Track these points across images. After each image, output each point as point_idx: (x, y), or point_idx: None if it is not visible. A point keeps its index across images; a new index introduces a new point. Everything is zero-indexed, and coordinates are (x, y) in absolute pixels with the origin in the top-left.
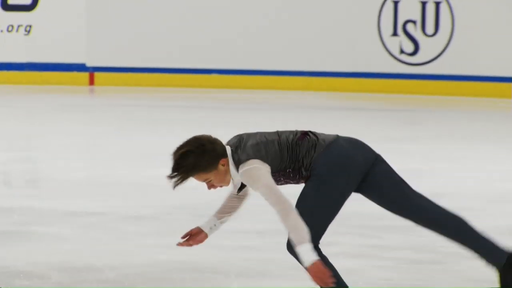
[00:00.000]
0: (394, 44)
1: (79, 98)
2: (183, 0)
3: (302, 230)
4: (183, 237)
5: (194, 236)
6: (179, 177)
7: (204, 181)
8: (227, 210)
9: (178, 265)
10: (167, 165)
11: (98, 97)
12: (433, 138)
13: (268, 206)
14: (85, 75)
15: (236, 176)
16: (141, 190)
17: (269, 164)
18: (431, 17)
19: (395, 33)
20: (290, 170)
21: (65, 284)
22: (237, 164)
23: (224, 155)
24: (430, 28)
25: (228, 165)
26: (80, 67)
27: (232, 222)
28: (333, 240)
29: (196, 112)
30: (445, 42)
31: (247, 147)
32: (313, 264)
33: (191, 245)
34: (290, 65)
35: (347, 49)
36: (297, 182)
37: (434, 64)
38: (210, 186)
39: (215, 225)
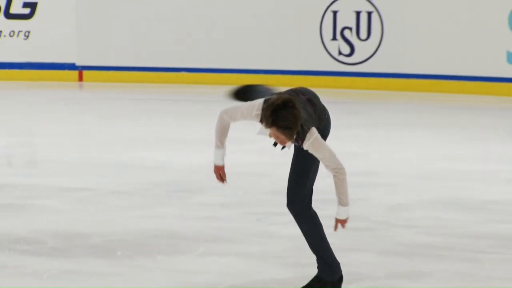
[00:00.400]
0: (333, 47)
1: (70, 93)
2: (167, 1)
3: (348, 194)
4: (220, 180)
5: (223, 174)
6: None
7: (277, 136)
8: (225, 137)
9: (154, 232)
10: (147, 149)
11: (87, 92)
12: (367, 126)
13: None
14: (75, 73)
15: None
16: (124, 169)
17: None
18: (364, 24)
19: (334, 38)
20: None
21: (59, 248)
22: (301, 133)
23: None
24: (363, 34)
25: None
26: (71, 66)
27: (200, 196)
28: (284, 211)
29: (171, 104)
30: (376, 45)
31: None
32: (346, 219)
33: (225, 181)
34: (247, 64)
35: (294, 51)
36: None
37: (367, 63)
38: (281, 142)
39: (225, 153)
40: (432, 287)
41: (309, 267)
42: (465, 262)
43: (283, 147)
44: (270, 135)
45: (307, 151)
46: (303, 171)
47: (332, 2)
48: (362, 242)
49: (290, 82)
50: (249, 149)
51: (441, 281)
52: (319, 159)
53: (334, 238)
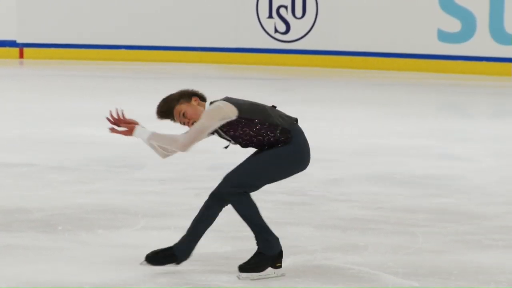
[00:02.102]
0: (269, 24)
1: (11, 70)
2: None
3: (159, 140)
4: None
5: (124, 124)
6: (164, 109)
7: (180, 115)
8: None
9: (94, 207)
10: (87, 125)
11: (27, 69)
12: (303, 102)
13: (168, 159)
14: (15, 50)
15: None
16: (64, 145)
17: (241, 109)
18: (300, 2)
19: (270, 16)
20: (267, 124)
21: (0, 223)
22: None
23: (197, 95)
24: (299, 12)
25: (199, 102)
26: (11, 43)
27: (139, 171)
28: None
29: (110, 81)
30: (311, 23)
31: (230, 99)
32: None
33: (114, 129)
34: (184, 42)
35: (232, 29)
36: (257, 142)
37: (302, 41)
38: (187, 120)
39: (145, 133)
40: (367, 259)
41: (248, 241)
42: (399, 235)
43: (227, 147)
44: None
45: (267, 152)
46: (253, 167)
47: None
48: (299, 216)
49: (226, 59)
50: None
51: (376, 253)
52: (195, 125)
53: (270, 212)
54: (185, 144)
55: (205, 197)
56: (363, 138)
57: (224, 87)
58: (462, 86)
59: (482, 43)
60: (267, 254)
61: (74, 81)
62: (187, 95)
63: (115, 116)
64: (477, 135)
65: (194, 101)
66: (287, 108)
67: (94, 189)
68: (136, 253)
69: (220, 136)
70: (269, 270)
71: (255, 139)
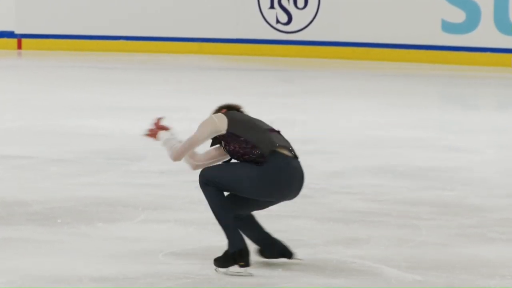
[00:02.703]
0: (271, 15)
1: (9, 61)
2: None
3: (168, 148)
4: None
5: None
6: None
7: None
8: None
9: (94, 200)
10: (86, 117)
11: (26, 60)
12: (304, 93)
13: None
14: (13, 41)
15: None
16: (64, 138)
17: (231, 124)
18: None
19: (272, 6)
20: (250, 144)
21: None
22: None
23: (225, 107)
24: (300, 2)
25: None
26: (10, 34)
27: (139, 164)
28: None
29: (109, 73)
30: (313, 14)
31: (232, 113)
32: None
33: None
34: (185, 33)
35: (233, 19)
36: (248, 156)
37: (304, 32)
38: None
39: (173, 139)
40: (370, 253)
41: None
42: (401, 228)
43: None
44: None
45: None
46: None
47: None
48: (300, 209)
49: (227, 50)
50: (187, 118)
51: (378, 247)
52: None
53: (272, 206)
54: (175, 156)
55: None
56: (365, 129)
57: (225, 78)
58: (466, 78)
59: (486, 33)
60: (229, 251)
61: (73, 72)
62: (218, 109)
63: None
64: (481, 126)
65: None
66: (288, 99)
67: (93, 182)
68: (136, 247)
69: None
70: (235, 267)
71: (241, 158)
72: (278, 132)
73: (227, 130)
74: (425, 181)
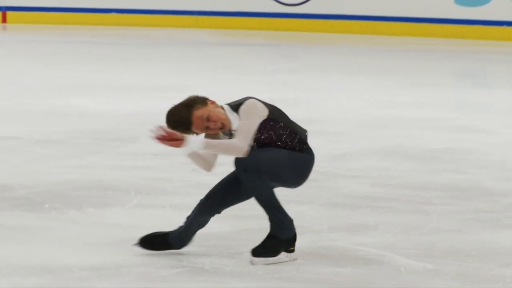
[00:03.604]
0: None
1: None
2: None
3: (215, 148)
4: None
5: (174, 138)
6: (179, 119)
7: (202, 119)
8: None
9: (84, 183)
10: (76, 95)
11: (11, 34)
12: (308, 70)
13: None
14: None
15: (235, 120)
16: (51, 117)
17: (270, 110)
18: None
19: None
20: (289, 130)
21: None
22: (237, 108)
23: (208, 98)
24: None
25: (216, 104)
26: None
27: (131, 145)
28: (220, 160)
29: (99, 48)
30: None
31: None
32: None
33: (166, 142)
34: (178, 5)
35: None
36: (282, 142)
37: (307, 4)
38: (213, 123)
39: (198, 155)
40: (377, 240)
41: (248, 220)
42: (411, 214)
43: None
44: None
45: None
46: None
47: None
48: (303, 193)
49: (225, 24)
50: (182, 96)
51: (387, 233)
52: (240, 121)
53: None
54: (245, 149)
55: (202, 173)
56: (373, 109)
57: (222, 54)
58: (481, 53)
59: (501, 6)
60: (281, 237)
61: (61, 47)
62: (200, 101)
63: (163, 133)
64: (496, 105)
65: (211, 104)
66: (290, 76)
67: (83, 164)
68: (129, 233)
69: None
70: (282, 254)
71: (273, 144)
72: None
73: (268, 116)
74: (436, 164)
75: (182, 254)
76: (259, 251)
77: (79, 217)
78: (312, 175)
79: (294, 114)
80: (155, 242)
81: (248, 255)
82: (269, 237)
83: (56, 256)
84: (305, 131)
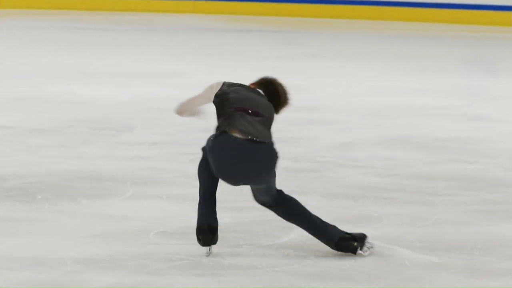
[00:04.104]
0: None
1: None
2: None
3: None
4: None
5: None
6: None
7: None
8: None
9: (78, 174)
10: (69, 82)
11: (2, 20)
12: (310, 57)
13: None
14: None
15: None
16: (44, 105)
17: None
18: None
19: None
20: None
21: None
22: None
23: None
24: None
25: None
26: None
27: (127, 134)
28: None
29: (94, 34)
30: None
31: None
32: None
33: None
34: None
35: None
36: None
37: None
38: None
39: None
40: (381, 232)
41: (247, 211)
42: (416, 205)
43: None
44: None
45: None
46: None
47: None
48: (306, 184)
49: (224, 9)
50: (180, 83)
51: (391, 225)
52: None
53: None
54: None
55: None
56: (377, 96)
57: (222, 40)
58: (490, 39)
59: None
60: (344, 234)
61: (54, 33)
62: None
63: None
64: (505, 93)
65: None
66: (292, 63)
67: (77, 154)
68: (124, 225)
69: None
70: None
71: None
72: (252, 112)
73: (213, 100)
74: (443, 153)
75: (181, 245)
76: (351, 242)
77: (73, 209)
78: (313, 165)
79: (296, 102)
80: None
81: (248, 247)
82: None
83: (49, 248)
84: (229, 124)
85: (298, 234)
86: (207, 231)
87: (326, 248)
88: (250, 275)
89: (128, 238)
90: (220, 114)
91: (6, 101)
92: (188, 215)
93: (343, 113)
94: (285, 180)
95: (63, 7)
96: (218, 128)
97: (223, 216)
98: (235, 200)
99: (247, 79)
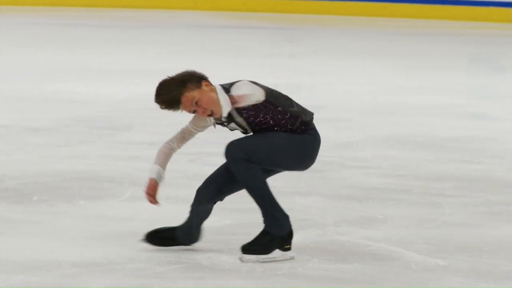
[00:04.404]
0: None
1: None
2: None
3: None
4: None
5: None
6: (168, 99)
7: (192, 103)
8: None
9: (75, 174)
10: (67, 80)
11: (0, 17)
12: (312, 54)
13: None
14: None
15: (226, 105)
16: (40, 103)
17: (267, 92)
18: None
19: None
20: (289, 114)
21: None
22: (229, 88)
23: (205, 78)
24: None
25: (211, 87)
26: None
27: (126, 133)
28: (220, 150)
29: (91, 30)
30: None
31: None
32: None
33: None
34: None
35: None
36: (280, 127)
37: None
38: (202, 110)
39: (161, 176)
40: (387, 234)
41: (249, 213)
42: (422, 207)
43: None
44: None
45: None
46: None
47: None
48: (308, 184)
49: (226, 6)
50: None
51: (396, 227)
52: (243, 93)
53: (274, 181)
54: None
55: (199, 163)
56: (381, 94)
57: (223, 37)
58: (496, 36)
59: None
60: (275, 234)
61: (52, 30)
62: (195, 79)
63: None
64: (511, 91)
65: (205, 86)
66: (293, 61)
67: (74, 154)
68: (122, 227)
69: (225, 125)
70: (277, 252)
71: (271, 129)
72: None
73: (266, 98)
74: (449, 153)
75: (179, 249)
76: (249, 248)
77: (70, 210)
78: (316, 165)
79: (298, 100)
80: (162, 237)
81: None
82: (262, 233)
83: (45, 251)
84: (311, 113)
85: (301, 236)
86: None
87: (330, 251)
88: (252, 279)
89: (126, 241)
90: (285, 110)
91: (3, 99)
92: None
93: (346, 111)
94: (286, 181)
95: (61, 3)
96: (304, 118)
97: (224, 218)
98: (236, 202)
99: (249, 76)
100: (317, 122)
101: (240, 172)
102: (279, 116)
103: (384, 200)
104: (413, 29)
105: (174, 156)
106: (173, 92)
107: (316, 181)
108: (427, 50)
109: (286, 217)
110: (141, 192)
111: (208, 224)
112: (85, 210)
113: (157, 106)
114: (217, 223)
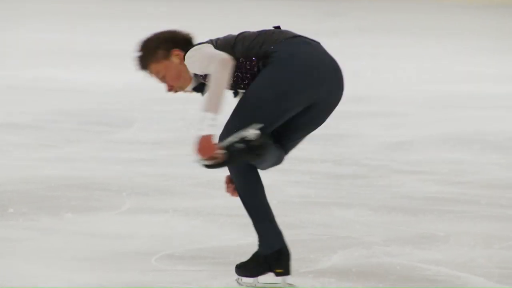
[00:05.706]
0: None
1: None
2: None
3: (216, 97)
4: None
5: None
6: (139, 64)
7: (157, 76)
8: None
9: (64, 181)
10: (52, 64)
11: None
12: (355, 31)
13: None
14: None
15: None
16: (21, 93)
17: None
18: None
19: None
20: (252, 58)
21: None
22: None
23: (183, 47)
24: None
25: (181, 56)
26: None
27: (124, 130)
28: None
29: (82, 4)
30: None
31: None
32: (203, 137)
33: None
34: None
35: None
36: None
37: None
38: (168, 86)
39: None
40: (448, 255)
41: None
42: (493, 221)
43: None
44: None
45: (264, 72)
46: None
47: None
48: (350, 193)
49: None
50: None
51: (460, 247)
52: (200, 68)
53: (308, 188)
54: (224, 61)
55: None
56: (442, 83)
57: (254, 10)
58: None
59: None
60: (261, 253)
61: (35, 3)
62: (168, 45)
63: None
64: None
65: (175, 57)
66: (332, 40)
67: (62, 156)
68: (120, 247)
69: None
70: (270, 276)
71: (243, 84)
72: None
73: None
74: None
75: (190, 272)
76: (237, 266)
77: (55, 225)
78: (360, 170)
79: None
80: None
81: (289, 277)
82: (255, 254)
83: (24, 276)
84: (283, 35)
85: (341, 257)
86: (289, 255)
87: (378, 276)
88: None
89: (125, 263)
90: (245, 59)
91: None
92: (200, 233)
93: (398, 104)
94: (323, 189)
95: None
96: (265, 48)
97: (243, 234)
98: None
99: None
100: (362, 116)
101: (236, 186)
102: (247, 67)
103: (444, 213)
104: (488, 1)
105: (185, 158)
106: (143, 59)
107: (360, 190)
108: (500, 26)
109: (276, 232)
110: (143, 203)
111: (226, 243)
112: (74, 225)
113: (162, 97)
114: (238, 241)
